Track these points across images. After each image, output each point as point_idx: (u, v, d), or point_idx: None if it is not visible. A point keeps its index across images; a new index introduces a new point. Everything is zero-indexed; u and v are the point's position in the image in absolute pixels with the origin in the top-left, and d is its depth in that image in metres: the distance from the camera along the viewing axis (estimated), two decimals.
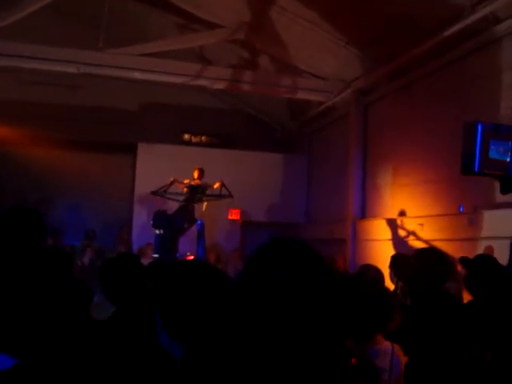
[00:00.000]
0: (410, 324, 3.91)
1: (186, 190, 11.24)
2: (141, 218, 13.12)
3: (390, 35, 8.96)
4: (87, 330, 2.87)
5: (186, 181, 11.23)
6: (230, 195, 11.15)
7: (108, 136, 13.71)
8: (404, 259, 5.80)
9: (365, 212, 11.18)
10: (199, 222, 10.50)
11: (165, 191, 11.20)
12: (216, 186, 11.22)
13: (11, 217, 3.25)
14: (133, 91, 13.75)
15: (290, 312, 1.64)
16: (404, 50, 8.93)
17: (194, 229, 11.02)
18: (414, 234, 9.04)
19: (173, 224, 10.35)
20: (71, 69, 10.46)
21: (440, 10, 7.88)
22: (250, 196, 13.29)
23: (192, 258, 11.20)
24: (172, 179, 11.15)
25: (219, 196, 11.26)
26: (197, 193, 11.13)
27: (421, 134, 9.39)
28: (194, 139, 14.23)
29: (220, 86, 11.65)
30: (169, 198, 11.26)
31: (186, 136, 14.17)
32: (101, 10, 10.05)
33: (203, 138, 14.32)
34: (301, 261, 2.19)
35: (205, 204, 11.40)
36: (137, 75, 10.93)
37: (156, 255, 10.20)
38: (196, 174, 11.30)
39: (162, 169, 11.88)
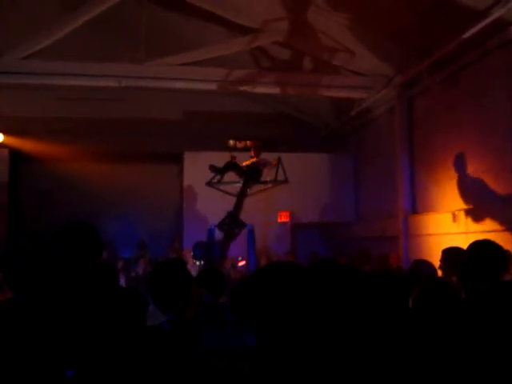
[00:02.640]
0: (466, 320, 3.81)
1: (245, 167, 10.99)
2: (191, 225, 13.21)
3: (429, 25, 8.81)
4: (142, 338, 2.89)
5: (245, 163, 11.08)
6: (286, 180, 10.98)
7: (154, 147, 13.89)
8: (455, 253, 5.69)
9: (416, 207, 11.00)
10: (248, 226, 10.48)
11: (219, 181, 11.07)
12: (274, 162, 11.02)
13: (68, 232, 3.27)
14: (175, 101, 13.89)
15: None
16: (445, 39, 8.74)
17: (245, 233, 11.01)
18: (466, 226, 8.85)
19: (212, 254, 10.25)
20: (113, 83, 10.61)
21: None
22: (299, 197, 13.26)
23: (244, 262, 11.22)
24: (230, 157, 10.98)
25: (275, 181, 11.10)
26: (252, 178, 10.88)
27: (469, 123, 9.19)
28: (238, 145, 14.23)
29: (261, 90, 11.65)
30: (222, 191, 11.04)
31: (231, 142, 14.21)
32: (139, 23, 10.16)
33: (248, 142, 14.33)
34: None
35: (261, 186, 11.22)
36: (178, 85, 11.02)
37: (197, 262, 10.15)
38: (253, 152, 11.20)
39: (209, 176, 11.93)
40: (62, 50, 10.30)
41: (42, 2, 11.69)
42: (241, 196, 10.78)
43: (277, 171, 10.92)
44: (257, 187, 11.12)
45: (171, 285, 3.43)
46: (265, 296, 2.01)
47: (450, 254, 5.60)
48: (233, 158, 11.03)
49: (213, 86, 11.22)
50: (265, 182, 11.12)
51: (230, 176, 11.07)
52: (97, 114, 14.04)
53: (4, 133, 14.09)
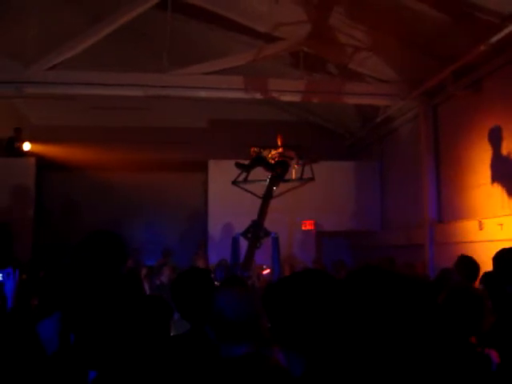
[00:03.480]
0: (496, 328, 3.76)
1: (273, 151, 10.83)
2: (216, 233, 13.25)
3: (452, 33, 8.76)
4: (166, 346, 2.89)
5: (272, 152, 10.94)
6: (312, 178, 10.85)
7: (179, 155, 13.96)
8: (470, 261, 5.67)
9: (442, 215, 10.90)
10: (273, 234, 10.43)
11: (245, 179, 10.94)
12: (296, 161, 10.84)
13: (94, 240, 3.30)
14: (199, 109, 13.97)
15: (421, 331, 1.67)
16: (469, 46, 8.68)
17: (269, 242, 10.99)
18: (493, 234, 8.74)
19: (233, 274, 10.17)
20: (138, 92, 10.70)
21: (505, 2, 7.65)
22: (323, 205, 13.22)
23: (268, 270, 11.19)
24: (256, 151, 10.78)
25: (300, 179, 10.95)
26: (279, 173, 10.72)
27: (494, 130, 9.10)
28: (263, 153, 14.24)
29: (285, 98, 11.66)
30: (247, 191, 10.88)
31: (256, 150, 14.21)
32: (163, 32, 10.23)
33: (272, 150, 14.31)
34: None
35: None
36: (202, 94, 11.07)
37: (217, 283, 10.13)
38: (280, 141, 11.08)
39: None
40: (88, 60, 10.42)
41: (68, 14, 11.86)
42: (266, 197, 10.66)
43: (303, 168, 10.75)
44: (283, 187, 10.96)
45: (194, 293, 3.43)
46: (294, 303, 2.02)
47: (466, 262, 5.60)
48: (258, 152, 10.92)
49: (237, 95, 11.25)
50: (291, 180, 10.95)
51: (256, 174, 10.94)
52: (122, 123, 14.16)
53: (31, 141, 14.28)
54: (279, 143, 10.95)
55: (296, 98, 11.81)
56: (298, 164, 10.77)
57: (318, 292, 2.05)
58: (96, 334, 2.69)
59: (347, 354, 2.00)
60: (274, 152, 10.87)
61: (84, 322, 2.77)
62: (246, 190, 10.71)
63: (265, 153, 10.78)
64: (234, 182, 10.84)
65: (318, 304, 2.02)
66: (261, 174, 10.62)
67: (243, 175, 10.77)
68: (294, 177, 10.84)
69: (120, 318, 2.84)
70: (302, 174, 10.62)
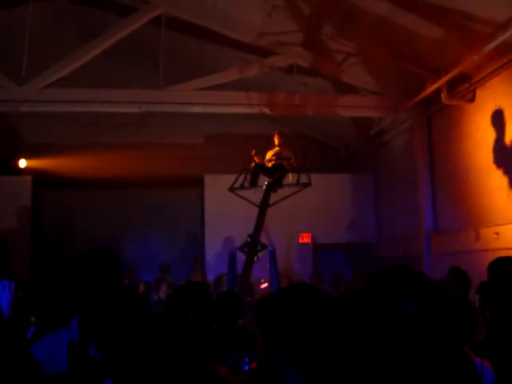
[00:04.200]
0: (493, 337, 3.78)
1: (269, 164, 10.78)
2: (213, 248, 13.26)
3: (445, 43, 8.82)
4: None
5: (269, 153, 10.93)
6: (309, 183, 10.84)
7: (175, 171, 13.98)
8: (461, 273, 5.73)
9: (438, 225, 10.93)
10: (269, 248, 10.47)
11: (242, 185, 10.90)
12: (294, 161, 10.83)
13: (89, 258, 3.31)
14: (195, 124, 14.00)
15: (416, 340, 1.68)
16: (462, 56, 8.74)
17: (267, 255, 11.01)
18: (489, 243, 8.76)
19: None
20: (133, 109, 10.75)
21: (497, 10, 7.72)
22: (320, 218, 13.26)
23: (266, 284, 11.20)
24: (253, 153, 10.87)
25: (297, 184, 10.92)
26: (277, 179, 10.73)
27: (490, 139, 9.13)
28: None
29: (279, 112, 11.70)
30: (244, 198, 10.81)
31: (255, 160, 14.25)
32: (157, 49, 10.30)
33: (269, 152, 14.36)
34: (419, 287, 2.25)
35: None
36: (196, 109, 11.11)
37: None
38: (277, 140, 11.07)
39: (230, 198, 11.97)
40: (82, 78, 10.46)
41: (62, 32, 11.92)
42: (263, 205, 10.65)
43: (299, 174, 10.74)
44: (280, 194, 10.93)
45: (191, 306, 3.44)
46: (285, 318, 2.03)
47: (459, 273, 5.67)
48: (255, 155, 10.92)
49: (231, 110, 11.29)
50: (287, 185, 10.93)
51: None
52: (118, 140, 14.19)
53: (27, 159, 14.31)
54: (276, 142, 10.96)
55: (290, 112, 11.86)
56: (293, 165, 10.75)
57: (308, 307, 2.07)
58: (114, 345, 2.70)
59: (343, 366, 2.02)
60: (270, 152, 10.88)
61: (101, 333, 2.78)
62: (242, 198, 10.73)
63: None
64: (231, 189, 10.86)
65: (308, 318, 2.03)
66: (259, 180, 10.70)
67: (239, 181, 10.78)
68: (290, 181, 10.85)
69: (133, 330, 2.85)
70: (298, 180, 10.65)
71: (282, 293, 2.20)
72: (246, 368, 3.96)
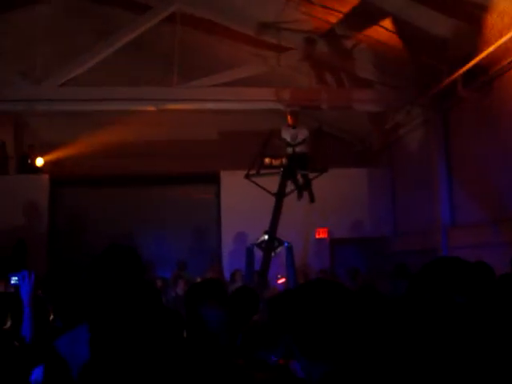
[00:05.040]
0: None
1: (284, 160, 10.66)
2: (229, 244, 13.28)
3: (460, 37, 8.77)
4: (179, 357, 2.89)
5: (285, 134, 10.75)
6: (326, 169, 10.72)
7: (191, 167, 13.98)
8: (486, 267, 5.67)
9: (455, 219, 10.86)
10: (286, 244, 10.45)
11: (258, 172, 10.77)
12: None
13: (109, 255, 3.30)
14: (210, 121, 14.00)
15: (463, 336, 1.68)
16: (479, 48, 8.68)
17: (284, 251, 11.00)
18: (508, 237, 8.69)
19: None
20: (149, 106, 10.79)
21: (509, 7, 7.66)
22: (336, 213, 13.21)
23: (283, 280, 11.19)
24: (269, 133, 10.75)
25: (314, 170, 10.81)
26: (294, 166, 10.62)
27: (506, 130, 9.05)
28: (274, 162, 14.24)
29: (294, 106, 11.67)
30: (261, 187, 10.68)
31: (267, 160, 14.21)
32: (172, 46, 10.32)
33: (284, 160, 14.32)
34: (468, 280, 2.26)
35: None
36: (211, 106, 11.13)
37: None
38: (290, 119, 10.86)
39: (246, 194, 11.98)
40: (98, 76, 10.51)
41: (78, 30, 11.96)
42: (280, 194, 10.55)
43: (315, 159, 10.63)
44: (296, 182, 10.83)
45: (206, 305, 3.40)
46: (307, 312, 2.04)
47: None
48: (272, 134, 10.79)
49: (246, 106, 11.30)
50: (303, 172, 10.79)
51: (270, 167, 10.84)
52: (134, 137, 14.23)
53: (44, 158, 14.40)
54: (290, 122, 10.79)
55: (305, 106, 11.82)
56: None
57: (330, 301, 2.07)
58: (122, 345, 2.71)
59: (364, 361, 2.02)
60: (286, 133, 10.67)
61: (111, 334, 2.79)
62: (258, 186, 10.62)
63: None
64: (247, 176, 10.76)
65: (331, 313, 2.04)
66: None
67: (255, 169, 10.66)
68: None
69: (145, 329, 2.86)
70: (315, 165, 10.57)
71: (302, 288, 2.20)
72: (273, 364, 3.95)
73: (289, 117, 10.77)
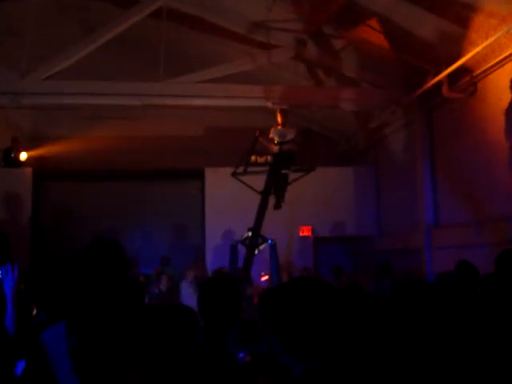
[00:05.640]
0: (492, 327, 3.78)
1: (269, 158, 10.59)
2: (213, 240, 13.26)
3: (448, 35, 8.81)
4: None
5: (273, 134, 10.61)
6: (313, 168, 10.69)
7: (175, 164, 13.95)
8: (470, 266, 5.73)
9: (439, 219, 10.92)
10: (270, 241, 10.46)
11: (245, 170, 10.72)
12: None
13: (94, 248, 3.28)
14: (195, 117, 13.98)
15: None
16: (465, 49, 8.73)
17: (267, 248, 11.01)
18: (491, 237, 8.75)
19: None
20: (134, 101, 10.73)
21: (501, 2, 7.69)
22: (320, 212, 13.24)
23: (267, 277, 11.20)
24: (258, 132, 10.62)
25: (301, 170, 10.78)
26: (280, 165, 10.54)
27: (491, 132, 9.11)
28: (259, 159, 14.23)
29: (280, 104, 11.66)
30: (247, 185, 10.64)
31: (252, 157, 14.21)
32: (158, 41, 10.27)
33: (269, 157, 14.32)
34: None
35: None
36: (197, 102, 11.10)
37: None
38: (280, 118, 10.72)
39: (231, 191, 11.97)
40: (83, 70, 10.45)
41: (63, 24, 11.88)
42: (265, 192, 10.53)
43: (303, 158, 10.60)
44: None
45: (222, 302, 3.35)
46: (292, 308, 2.05)
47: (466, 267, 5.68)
48: (260, 136, 10.73)
49: (232, 103, 11.28)
50: (291, 171, 10.75)
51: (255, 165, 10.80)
52: (118, 132, 14.18)
53: (27, 151, 14.29)
54: (279, 121, 10.76)
55: (291, 105, 11.81)
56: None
57: (316, 298, 2.08)
58: (100, 342, 2.70)
59: (348, 359, 2.03)
60: (274, 132, 10.64)
61: (89, 331, 2.78)
62: (245, 184, 10.61)
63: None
64: (234, 174, 10.74)
65: (316, 310, 2.05)
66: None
67: (242, 167, 10.64)
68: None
69: (123, 327, 2.84)
70: (302, 165, 10.55)
71: (289, 284, 2.21)
72: (240, 361, 3.93)
73: (278, 115, 10.75)
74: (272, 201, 10.75)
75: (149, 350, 2.69)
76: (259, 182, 10.71)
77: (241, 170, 10.76)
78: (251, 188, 10.62)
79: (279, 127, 10.69)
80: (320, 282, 2.16)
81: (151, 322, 2.77)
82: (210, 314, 3.31)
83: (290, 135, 10.66)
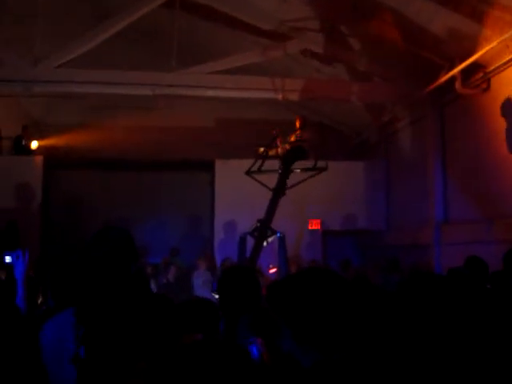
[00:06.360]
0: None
1: (279, 150, 10.49)
2: (222, 232, 13.27)
3: (462, 31, 8.75)
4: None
5: (292, 137, 10.61)
6: (326, 167, 10.67)
7: (186, 155, 13.96)
8: (479, 262, 5.71)
9: (449, 215, 10.87)
10: (279, 234, 10.44)
11: (259, 169, 10.69)
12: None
13: (103, 236, 3.27)
14: (206, 108, 13.96)
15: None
16: (479, 44, 8.66)
17: (276, 241, 10.99)
18: (501, 234, 8.70)
19: None
20: (146, 91, 10.72)
21: None
22: (330, 205, 13.21)
23: (275, 269, 11.19)
24: (275, 132, 10.51)
25: (314, 168, 10.75)
26: (291, 162, 10.46)
27: (506, 129, 9.04)
28: (269, 152, 14.21)
29: (292, 97, 11.63)
30: (260, 183, 10.62)
31: (261, 149, 14.17)
32: (171, 31, 10.26)
33: (279, 150, 14.29)
34: None
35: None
36: (210, 93, 11.08)
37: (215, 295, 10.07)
38: (298, 124, 10.56)
39: (240, 183, 11.95)
40: (96, 59, 10.45)
41: (76, 12, 11.89)
42: (278, 190, 10.48)
43: (316, 158, 10.56)
44: (294, 178, 10.72)
45: (241, 291, 3.36)
46: (303, 299, 2.05)
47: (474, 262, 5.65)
48: (278, 137, 10.70)
49: (243, 94, 11.25)
50: (304, 169, 10.73)
51: (271, 164, 10.75)
52: (129, 122, 14.19)
53: (39, 140, 14.33)
54: (297, 126, 10.73)
55: (303, 98, 11.78)
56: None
57: (326, 288, 2.08)
58: (106, 332, 2.70)
59: (356, 352, 2.02)
60: (293, 136, 10.64)
61: (95, 319, 2.78)
62: (258, 182, 10.58)
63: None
64: (248, 173, 10.71)
65: (326, 299, 2.05)
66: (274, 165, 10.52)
67: (257, 165, 10.61)
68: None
69: (130, 316, 2.84)
70: (315, 164, 10.51)
71: (298, 275, 2.21)
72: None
73: (297, 121, 10.69)
74: (283, 199, 10.67)
75: (158, 340, 2.70)
76: (272, 178, 10.63)
77: (255, 168, 10.70)
78: (263, 185, 10.57)
79: (297, 132, 10.62)
80: (329, 272, 2.16)
81: (170, 315, 2.79)
82: (230, 302, 3.33)
83: (305, 136, 10.60)
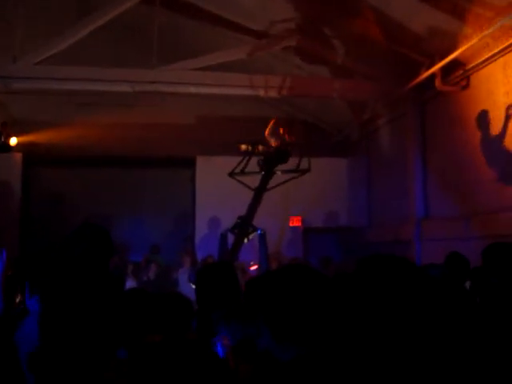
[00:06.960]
0: (482, 323, 3.79)
1: (261, 147, 10.41)
2: (203, 229, 13.26)
3: (442, 28, 8.80)
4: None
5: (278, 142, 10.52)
6: (308, 169, 10.66)
7: (167, 151, 13.91)
8: (460, 258, 5.75)
9: (429, 211, 10.94)
10: (259, 231, 10.43)
11: (242, 170, 10.65)
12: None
13: (80, 234, 3.27)
14: (188, 105, 13.91)
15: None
16: (459, 42, 8.72)
17: (257, 237, 10.99)
18: (480, 230, 8.78)
19: None
20: (126, 88, 10.66)
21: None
22: (311, 202, 13.25)
23: (256, 266, 11.20)
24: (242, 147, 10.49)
25: (297, 170, 10.74)
26: (274, 165, 10.45)
27: (485, 127, 9.11)
28: (251, 149, 14.20)
29: (273, 94, 11.62)
30: (243, 183, 10.59)
31: (243, 146, 14.15)
32: (151, 28, 10.21)
33: (260, 147, 14.28)
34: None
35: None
36: (191, 90, 11.03)
37: (193, 285, 10.05)
38: (284, 128, 10.60)
39: (222, 180, 11.92)
40: (75, 55, 10.37)
41: (55, 8, 11.79)
42: (260, 190, 10.46)
43: (300, 159, 10.54)
44: (277, 179, 10.70)
45: (217, 284, 3.34)
46: (285, 294, 2.05)
47: (456, 258, 5.67)
48: (247, 148, 10.65)
49: (225, 91, 11.23)
50: (287, 171, 10.71)
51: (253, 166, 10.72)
52: (110, 119, 14.10)
53: (17, 136, 14.18)
54: (281, 131, 10.63)
55: (285, 95, 11.77)
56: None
57: (306, 285, 2.08)
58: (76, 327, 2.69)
59: (335, 347, 2.02)
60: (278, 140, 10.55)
61: (65, 316, 2.76)
62: (241, 183, 10.56)
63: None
64: (231, 174, 10.68)
65: (305, 296, 2.05)
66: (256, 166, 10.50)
67: (240, 166, 10.58)
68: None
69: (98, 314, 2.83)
70: (298, 166, 10.51)
71: (277, 271, 2.20)
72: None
73: (281, 129, 10.61)
74: (265, 196, 10.65)
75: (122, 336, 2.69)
76: (255, 177, 10.60)
77: (239, 168, 10.67)
78: (246, 186, 10.54)
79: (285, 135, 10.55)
80: (308, 269, 2.16)
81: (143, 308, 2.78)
82: (205, 294, 3.31)
83: (292, 139, 10.58)
